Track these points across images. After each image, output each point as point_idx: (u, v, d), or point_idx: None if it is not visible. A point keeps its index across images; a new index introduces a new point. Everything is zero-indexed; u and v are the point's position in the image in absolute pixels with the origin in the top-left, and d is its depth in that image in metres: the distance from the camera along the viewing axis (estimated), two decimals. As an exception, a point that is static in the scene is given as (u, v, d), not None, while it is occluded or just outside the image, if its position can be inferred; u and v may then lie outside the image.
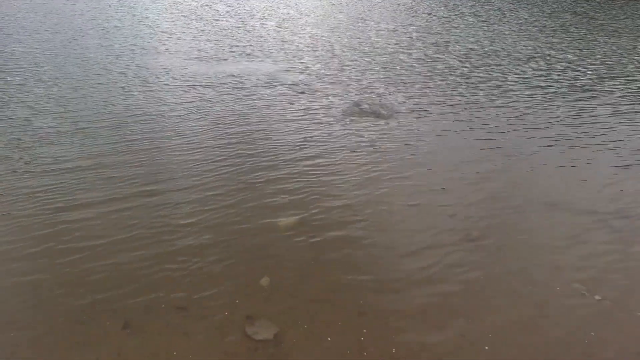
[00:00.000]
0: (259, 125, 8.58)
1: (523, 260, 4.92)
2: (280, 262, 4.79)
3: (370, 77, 12.08)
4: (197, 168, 6.78)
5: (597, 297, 4.41)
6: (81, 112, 9.03)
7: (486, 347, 3.79)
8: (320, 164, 6.99)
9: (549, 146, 7.83)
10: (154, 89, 10.76)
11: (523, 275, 4.69)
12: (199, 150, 7.41)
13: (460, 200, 6.07)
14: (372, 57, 14.45)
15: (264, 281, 4.49)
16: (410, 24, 21.25)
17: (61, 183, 6.22)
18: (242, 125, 8.57)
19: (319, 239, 5.15)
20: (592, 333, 3.97)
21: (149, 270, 4.59)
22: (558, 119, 9.06)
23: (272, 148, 7.52)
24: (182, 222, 5.41)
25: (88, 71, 12.25)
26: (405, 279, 4.56)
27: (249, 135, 8.12)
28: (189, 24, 21.10)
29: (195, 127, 8.39)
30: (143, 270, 4.60)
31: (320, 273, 4.64)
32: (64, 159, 6.97)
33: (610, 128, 8.64)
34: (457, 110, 9.55)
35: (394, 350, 3.72)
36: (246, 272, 4.62)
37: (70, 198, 5.85)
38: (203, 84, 11.32)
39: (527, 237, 5.34)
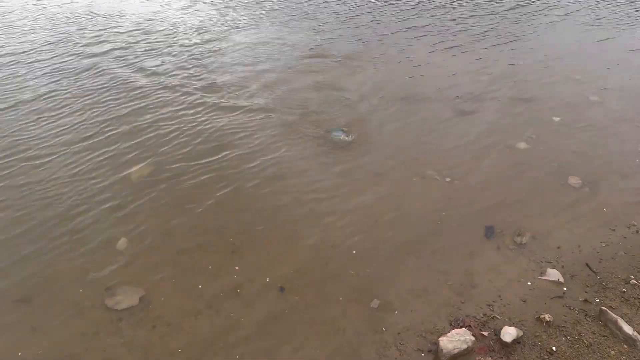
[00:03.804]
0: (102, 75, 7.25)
1: (382, 155, 5.13)
2: (138, 217, 4.31)
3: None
4: (44, 126, 5.62)
5: (447, 180, 4.84)
6: None
7: (355, 239, 3.97)
8: (172, 113, 6.15)
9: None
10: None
11: (384, 167, 4.92)
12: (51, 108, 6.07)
13: (321, 107, 6.01)
14: None
15: (121, 244, 4.03)
16: None
17: None
18: (87, 77, 7.14)
19: (178, 183, 4.71)
20: (443, 213, 4.39)
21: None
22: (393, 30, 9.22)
23: (117, 100, 6.37)
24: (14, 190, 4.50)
25: None
26: (270, 208, 4.44)
27: (94, 86, 6.84)
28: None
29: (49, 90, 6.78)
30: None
31: (185, 219, 4.30)
32: None
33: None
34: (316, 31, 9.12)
35: (267, 280, 3.70)
36: (98, 239, 4.07)
37: None
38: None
39: (385, 134, 5.55)
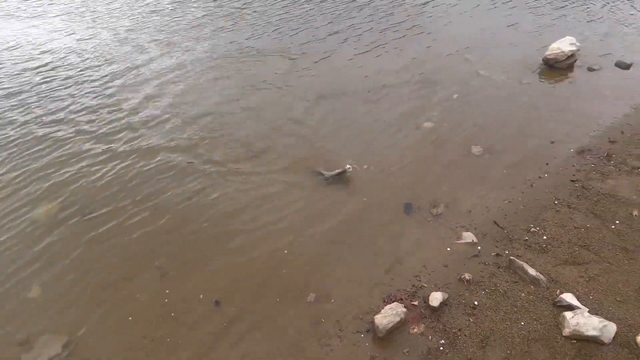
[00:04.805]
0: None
1: (302, 156, 5.24)
2: (52, 259, 3.99)
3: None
4: None
5: (365, 167, 5.06)
6: None
7: (286, 252, 4.03)
8: (89, 160, 5.69)
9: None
10: None
11: (305, 166, 5.04)
12: None
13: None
14: None
15: (35, 292, 3.71)
16: None
17: None
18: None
19: (92, 218, 4.43)
20: (365, 199, 4.60)
21: None
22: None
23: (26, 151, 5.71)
24: None
25: None
26: (194, 228, 4.33)
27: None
28: None
29: None
30: None
31: (105, 253, 4.07)
32: None
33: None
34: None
35: (201, 296, 3.63)
36: (9, 289, 3.72)
37: None
38: None
39: (307, 133, 5.67)
